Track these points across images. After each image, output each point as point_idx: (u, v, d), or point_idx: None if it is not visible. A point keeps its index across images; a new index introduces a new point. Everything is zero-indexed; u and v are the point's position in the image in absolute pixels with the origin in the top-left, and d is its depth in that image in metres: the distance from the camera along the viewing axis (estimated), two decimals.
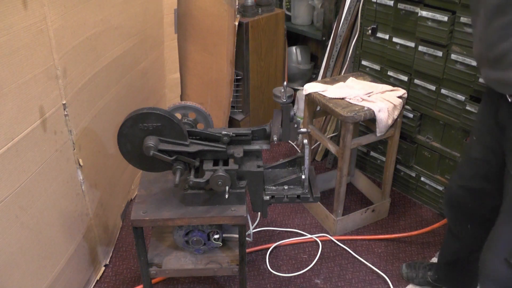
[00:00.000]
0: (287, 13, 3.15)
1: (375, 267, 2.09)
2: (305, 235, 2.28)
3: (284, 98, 1.46)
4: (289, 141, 2.96)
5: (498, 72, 1.27)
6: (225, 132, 1.52)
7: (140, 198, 1.60)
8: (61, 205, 1.68)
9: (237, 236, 1.66)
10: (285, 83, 1.47)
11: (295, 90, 3.11)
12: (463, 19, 1.93)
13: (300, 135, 1.54)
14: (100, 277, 2.04)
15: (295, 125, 1.53)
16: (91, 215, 1.91)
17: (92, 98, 1.86)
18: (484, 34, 1.29)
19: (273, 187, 1.61)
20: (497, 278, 1.34)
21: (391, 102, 2.04)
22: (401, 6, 2.15)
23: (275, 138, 1.52)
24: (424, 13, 2.04)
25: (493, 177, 1.43)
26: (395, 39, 2.23)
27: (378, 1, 2.24)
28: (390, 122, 2.04)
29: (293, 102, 3.14)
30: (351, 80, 2.23)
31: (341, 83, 2.21)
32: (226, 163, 1.54)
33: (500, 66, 1.25)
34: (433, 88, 2.15)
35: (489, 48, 1.28)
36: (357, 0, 2.46)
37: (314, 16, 3.11)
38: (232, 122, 2.92)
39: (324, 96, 2.10)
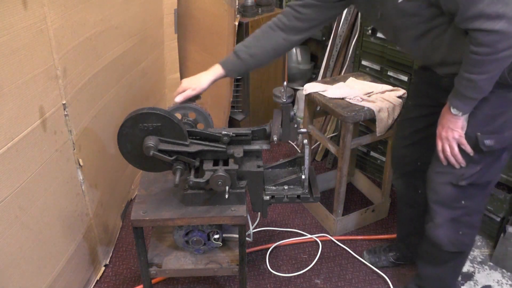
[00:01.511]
0: None
1: (375, 267, 2.09)
2: (305, 235, 2.28)
3: (284, 98, 1.46)
4: (289, 141, 2.96)
5: (448, 67, 1.43)
6: (225, 132, 1.52)
7: (140, 198, 1.60)
8: (61, 205, 1.68)
9: (237, 236, 1.66)
10: (285, 83, 1.47)
11: (295, 90, 3.11)
12: None
13: (300, 135, 1.54)
14: (100, 277, 2.04)
15: (295, 125, 1.53)
16: (91, 215, 1.91)
17: (92, 98, 1.86)
18: (413, 52, 1.50)
19: (273, 187, 1.61)
20: (444, 198, 1.56)
21: (391, 102, 2.04)
22: None
23: (275, 138, 1.52)
24: None
25: (434, 126, 1.54)
26: None
27: None
28: (390, 122, 2.04)
29: (293, 102, 3.14)
30: (351, 80, 2.23)
31: (341, 83, 2.21)
32: (226, 163, 1.54)
33: (446, 66, 1.43)
34: None
35: (425, 59, 1.50)
36: None
37: None
38: (232, 122, 2.92)
39: (324, 96, 2.10)
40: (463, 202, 1.56)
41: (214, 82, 1.65)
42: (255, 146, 1.58)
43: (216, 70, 1.65)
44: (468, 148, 1.45)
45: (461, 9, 1.22)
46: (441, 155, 1.51)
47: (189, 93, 1.59)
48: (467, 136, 1.44)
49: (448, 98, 1.41)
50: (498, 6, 1.17)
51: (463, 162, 1.48)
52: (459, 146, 1.46)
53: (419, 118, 1.70)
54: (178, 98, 1.57)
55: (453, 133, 1.44)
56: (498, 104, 1.39)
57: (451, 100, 1.40)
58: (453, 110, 1.40)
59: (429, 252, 1.72)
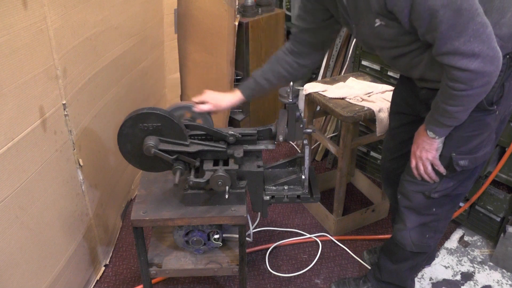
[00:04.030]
0: (287, 13, 3.16)
1: None
2: (305, 235, 2.28)
3: (290, 98, 1.46)
4: (290, 141, 2.96)
5: (427, 83, 1.43)
6: (232, 132, 1.52)
7: (140, 198, 1.60)
8: (61, 205, 1.68)
9: (237, 236, 1.66)
10: (291, 83, 1.48)
11: (298, 90, 3.10)
12: None
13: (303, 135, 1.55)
14: (100, 277, 2.04)
15: (301, 125, 1.53)
16: (91, 215, 1.91)
17: (92, 98, 1.86)
18: (394, 66, 1.49)
19: (273, 187, 1.61)
20: (416, 205, 1.59)
21: None
22: None
23: (280, 138, 1.52)
24: None
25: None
26: None
27: None
28: None
29: None
30: (351, 80, 2.23)
31: (341, 83, 2.21)
32: (226, 163, 1.54)
33: (425, 81, 1.43)
34: None
35: (405, 73, 1.50)
36: None
37: None
38: (232, 122, 2.92)
39: (324, 96, 2.10)
40: (434, 209, 1.58)
41: (233, 105, 1.68)
42: (261, 146, 1.58)
43: (237, 95, 1.68)
44: (441, 169, 1.46)
45: (437, 44, 1.21)
46: (414, 171, 1.52)
47: (208, 108, 1.60)
48: (442, 156, 1.45)
49: (425, 120, 1.42)
50: (474, 45, 1.16)
51: (436, 179, 1.49)
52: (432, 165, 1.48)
53: (400, 128, 1.70)
54: (196, 109, 1.59)
55: (427, 154, 1.45)
56: (474, 126, 1.39)
57: (428, 124, 1.40)
58: (429, 133, 1.40)
59: (391, 249, 1.74)
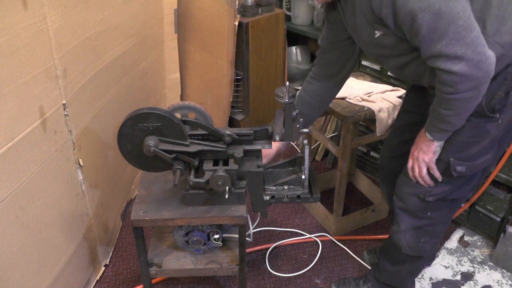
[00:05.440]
0: (287, 13, 3.15)
1: None
2: (305, 235, 2.28)
3: (287, 98, 1.46)
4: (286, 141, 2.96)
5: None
6: (228, 132, 1.52)
7: (140, 198, 1.60)
8: (61, 205, 1.68)
9: (237, 236, 1.66)
10: (287, 83, 1.48)
11: (295, 90, 3.10)
12: None
13: (300, 135, 1.55)
14: (100, 277, 2.04)
15: (297, 125, 1.53)
16: (91, 215, 1.91)
17: (92, 98, 1.86)
18: (403, 78, 1.51)
19: (273, 187, 1.61)
20: (410, 207, 1.59)
21: (391, 102, 2.04)
22: None
23: (277, 138, 1.52)
24: None
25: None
26: None
27: None
28: (390, 122, 2.04)
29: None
30: (351, 80, 2.23)
31: None
32: (226, 163, 1.54)
33: (434, 89, 1.40)
34: None
35: (415, 82, 1.51)
36: None
37: (314, 16, 3.11)
38: (232, 122, 2.92)
39: None
40: (429, 213, 1.57)
41: (280, 150, 1.75)
42: (257, 146, 1.58)
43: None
44: (436, 174, 1.47)
45: (422, 48, 1.22)
46: (410, 172, 1.52)
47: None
48: (440, 160, 1.45)
49: (425, 123, 1.43)
50: (456, 47, 1.16)
51: (431, 183, 1.49)
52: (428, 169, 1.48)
53: (406, 126, 1.71)
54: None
55: (424, 155, 1.45)
56: (474, 132, 1.39)
57: (427, 126, 1.42)
58: (427, 135, 1.41)
59: (389, 250, 1.75)
